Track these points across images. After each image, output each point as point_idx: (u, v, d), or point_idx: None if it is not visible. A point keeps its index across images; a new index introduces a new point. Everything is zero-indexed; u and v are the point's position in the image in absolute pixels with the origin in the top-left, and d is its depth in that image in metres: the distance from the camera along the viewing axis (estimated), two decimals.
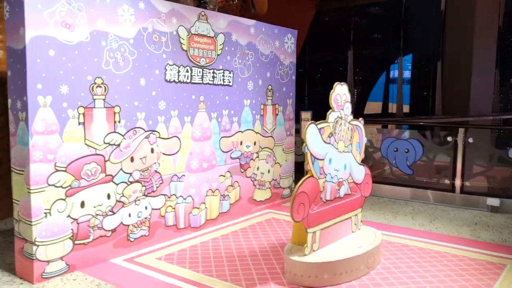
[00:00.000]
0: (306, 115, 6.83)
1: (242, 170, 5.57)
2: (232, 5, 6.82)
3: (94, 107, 3.92)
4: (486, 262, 4.18)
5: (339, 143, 4.00)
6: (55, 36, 3.59)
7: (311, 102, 9.66)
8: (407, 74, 14.14)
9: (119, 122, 4.12)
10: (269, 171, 6.03)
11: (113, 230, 4.14)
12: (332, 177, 3.95)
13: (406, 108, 13.90)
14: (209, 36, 4.96)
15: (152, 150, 4.45)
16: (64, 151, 3.72)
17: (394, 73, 12.04)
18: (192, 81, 4.80)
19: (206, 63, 4.94)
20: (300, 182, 3.66)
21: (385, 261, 4.15)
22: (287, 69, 6.24)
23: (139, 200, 4.34)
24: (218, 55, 5.09)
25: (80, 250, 3.89)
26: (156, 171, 4.50)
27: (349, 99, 4.12)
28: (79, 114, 3.81)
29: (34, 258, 3.59)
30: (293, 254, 3.72)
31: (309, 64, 9.96)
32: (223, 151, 5.25)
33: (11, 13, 3.52)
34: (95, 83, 3.90)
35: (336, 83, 3.95)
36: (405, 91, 13.82)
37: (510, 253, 4.44)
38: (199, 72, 4.87)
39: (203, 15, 4.87)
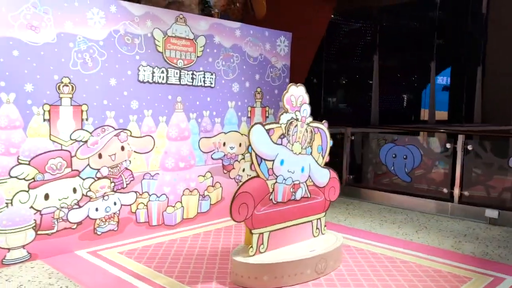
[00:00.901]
0: None
1: (225, 171, 5.62)
2: (233, 9, 6.92)
3: (61, 105, 4.13)
4: (451, 274, 3.97)
5: (294, 145, 3.97)
6: (19, 37, 3.83)
7: (328, 112, 9.52)
8: (444, 80, 13.63)
9: (86, 120, 4.31)
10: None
11: (79, 223, 4.33)
12: (285, 179, 3.92)
13: (443, 115, 13.41)
14: (188, 38, 5.07)
15: (122, 148, 4.61)
16: (28, 145, 3.95)
17: (428, 79, 11.61)
18: (168, 82, 4.93)
19: (184, 65, 5.05)
20: (243, 182, 3.67)
21: (342, 268, 4.06)
22: (280, 72, 6.24)
23: (107, 195, 4.51)
24: (198, 57, 5.19)
25: (43, 240, 4.10)
26: (127, 168, 4.65)
27: (307, 100, 4.07)
28: (44, 111, 4.03)
29: None
30: (239, 254, 3.73)
31: (326, 72, 9.83)
32: (203, 152, 5.33)
33: None
34: (62, 82, 4.11)
35: (290, 84, 3.92)
36: (443, 98, 13.32)
37: (483, 267, 4.19)
38: (176, 74, 4.98)
39: (181, 18, 5.00)
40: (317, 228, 4.30)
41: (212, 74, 5.36)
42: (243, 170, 5.84)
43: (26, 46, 3.88)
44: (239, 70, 5.68)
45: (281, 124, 3.87)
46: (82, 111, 4.28)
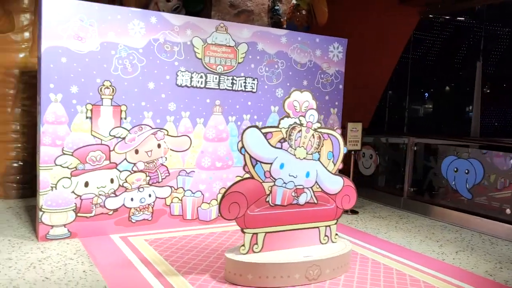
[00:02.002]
0: (353, 126, 6.55)
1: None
2: (298, 16, 7.06)
3: (102, 105, 4.73)
4: None
5: (297, 150, 4.00)
6: (67, 46, 4.50)
7: (413, 118, 9.04)
8: None
9: (125, 118, 4.85)
10: None
11: (115, 210, 4.88)
12: (285, 183, 3.97)
13: None
14: (229, 46, 5.36)
15: (159, 145, 5.06)
16: (72, 139, 4.60)
17: None
18: (207, 86, 5.26)
19: (223, 70, 5.35)
20: (234, 182, 3.82)
21: (342, 278, 3.96)
22: (332, 78, 6.19)
23: (142, 187, 5.00)
24: (239, 63, 5.44)
25: (82, 222, 4.72)
26: (162, 164, 5.10)
27: (314, 106, 4.07)
28: (87, 109, 4.66)
29: (40, 221, 4.55)
30: (233, 252, 3.89)
31: (412, 78, 9.34)
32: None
33: (38, 28, 4.56)
34: (103, 85, 4.71)
35: (293, 89, 3.97)
36: None
37: None
38: (215, 79, 5.30)
39: (221, 26, 5.30)
40: (325, 236, 4.25)
41: (254, 80, 5.58)
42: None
43: (73, 53, 4.54)
44: (284, 76, 5.79)
45: (281, 128, 3.94)
46: (121, 110, 4.83)
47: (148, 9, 7.08)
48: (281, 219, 4.01)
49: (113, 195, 4.86)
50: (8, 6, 6.16)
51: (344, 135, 6.30)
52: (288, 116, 3.97)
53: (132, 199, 4.97)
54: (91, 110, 4.69)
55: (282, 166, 3.95)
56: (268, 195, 3.93)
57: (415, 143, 6.68)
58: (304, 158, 4.05)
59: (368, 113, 8.86)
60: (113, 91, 4.77)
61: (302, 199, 4.09)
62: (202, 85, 5.25)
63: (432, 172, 6.47)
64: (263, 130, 3.87)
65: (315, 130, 4.08)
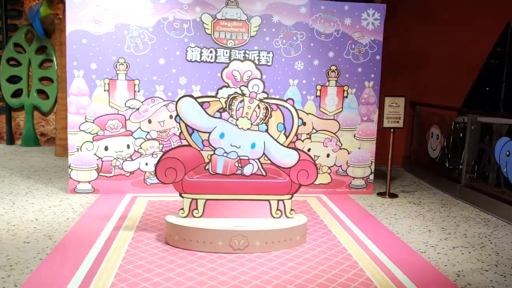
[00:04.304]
0: (392, 100, 5.76)
1: None
2: None
3: (117, 79, 5.39)
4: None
5: (239, 120, 3.98)
6: (86, 29, 5.27)
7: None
8: None
9: (138, 91, 5.43)
10: (328, 156, 5.79)
11: (132, 172, 5.54)
12: (226, 152, 4.01)
13: None
14: (240, 20, 5.43)
15: (170, 117, 5.51)
16: (93, 108, 5.39)
17: None
18: (217, 61, 5.46)
19: (234, 45, 5.46)
20: (170, 148, 4.03)
21: (276, 252, 3.83)
22: (366, 48, 5.67)
23: (156, 154, 5.54)
24: (252, 36, 5.47)
25: (103, 180, 5.52)
26: (174, 134, 5.54)
27: (258, 76, 3.95)
28: (105, 83, 5.38)
29: (69, 177, 5.49)
30: (177, 215, 4.13)
31: None
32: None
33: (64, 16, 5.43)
34: (118, 62, 5.36)
35: (233, 59, 3.93)
36: None
37: None
38: (226, 53, 5.46)
39: (232, 1, 5.40)
40: (278, 210, 4.13)
41: (268, 53, 5.54)
42: (309, 150, 5.75)
43: (91, 35, 5.29)
44: (304, 48, 5.58)
45: (219, 98, 3.97)
46: (134, 84, 5.43)
47: None
48: (223, 188, 4.06)
49: (129, 159, 5.53)
50: None
51: (380, 110, 5.80)
52: (227, 86, 3.98)
53: (146, 164, 5.56)
54: (108, 84, 5.39)
55: (222, 135, 4.00)
56: (208, 163, 4.04)
57: (476, 121, 5.65)
58: (248, 129, 4.01)
59: (463, 90, 7.68)
60: (127, 67, 5.39)
61: (247, 170, 4.07)
62: (212, 60, 5.48)
63: (486, 156, 5.41)
64: (199, 100, 3.98)
65: (260, 100, 3.99)
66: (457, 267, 3.71)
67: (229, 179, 4.07)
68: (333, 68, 5.68)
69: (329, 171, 5.84)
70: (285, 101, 4.09)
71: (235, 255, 3.79)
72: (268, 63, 5.57)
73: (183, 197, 4.06)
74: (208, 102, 4.00)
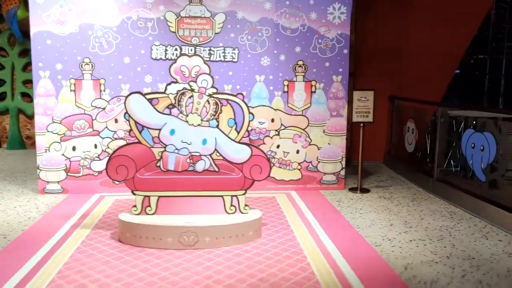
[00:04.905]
0: (361, 94, 5.69)
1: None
2: None
3: (83, 79, 5.41)
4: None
5: (189, 116, 3.97)
6: (51, 30, 5.29)
7: (494, 92, 7.43)
8: None
9: (104, 91, 5.44)
10: (298, 152, 5.75)
11: (100, 172, 5.55)
12: (177, 149, 4.00)
13: None
14: (204, 17, 5.42)
15: (116, 121, 5.49)
16: (59, 109, 5.42)
17: None
18: None
19: (199, 42, 5.45)
20: (120, 146, 4.03)
21: (227, 248, 3.81)
22: (333, 42, 5.62)
23: None
24: (216, 33, 5.46)
25: (72, 180, 5.53)
26: None
27: (206, 71, 3.94)
28: (71, 84, 5.40)
29: (38, 177, 5.52)
30: (130, 212, 4.12)
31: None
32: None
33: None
34: (83, 62, 5.38)
35: (181, 54, 3.92)
36: None
37: None
38: (191, 50, 5.45)
39: None
40: (232, 206, 4.11)
41: (234, 49, 5.52)
42: (278, 146, 5.72)
43: (56, 36, 5.31)
44: (270, 43, 5.55)
45: (168, 94, 3.97)
46: (100, 84, 5.44)
47: None
48: (175, 184, 4.06)
49: (97, 158, 5.54)
50: None
51: (350, 104, 5.76)
52: (176, 81, 3.97)
53: None
54: (74, 84, 5.42)
55: (172, 132, 3.99)
56: (159, 160, 4.03)
57: (446, 114, 5.58)
58: (198, 125, 4.00)
59: (444, 83, 7.60)
60: (92, 67, 5.41)
61: (199, 166, 4.05)
62: (177, 58, 5.47)
63: (454, 149, 5.34)
64: (148, 96, 3.97)
65: (209, 95, 3.97)
66: (408, 259, 3.65)
67: (181, 176, 4.06)
68: (300, 63, 5.64)
69: (299, 167, 5.80)
70: (235, 95, 4.07)
71: (185, 251, 3.78)
72: (234, 60, 5.56)
73: (135, 194, 4.06)
74: (157, 98, 3.99)
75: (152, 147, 4.04)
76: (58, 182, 5.54)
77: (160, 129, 3.99)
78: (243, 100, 4.06)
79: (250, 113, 4.08)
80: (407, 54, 7.54)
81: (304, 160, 5.80)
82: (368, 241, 4.06)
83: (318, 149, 5.79)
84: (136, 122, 3.99)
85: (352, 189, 5.88)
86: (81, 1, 5.31)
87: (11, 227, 4.33)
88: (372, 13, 7.51)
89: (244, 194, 4.13)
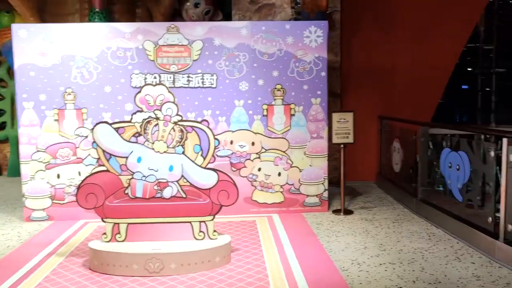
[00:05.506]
0: (340, 116, 5.68)
1: (234, 169, 5.71)
2: (307, 1, 6.68)
3: (66, 109, 5.56)
4: None
5: (155, 143, 4.03)
6: (34, 62, 5.47)
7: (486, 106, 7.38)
8: None
9: (86, 119, 5.57)
10: (279, 174, 5.76)
11: None
12: (144, 176, 4.06)
13: None
14: (181, 45, 5.54)
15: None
16: (44, 138, 5.56)
17: None
18: None
19: (178, 69, 5.56)
20: (89, 174, 4.11)
21: (193, 274, 3.82)
22: (311, 65, 5.67)
23: None
24: (194, 60, 5.57)
25: (57, 207, 5.64)
26: None
27: (170, 99, 4.02)
28: (54, 114, 5.55)
29: (24, 205, 5.63)
30: (101, 240, 4.17)
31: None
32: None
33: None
34: (66, 92, 5.53)
35: (145, 84, 4.01)
36: None
37: None
38: (169, 78, 5.56)
39: (172, 27, 5.53)
40: (200, 231, 4.12)
41: (212, 75, 5.61)
42: (259, 169, 5.74)
43: (39, 68, 5.49)
44: (248, 68, 5.64)
45: (134, 123, 4.05)
46: (82, 113, 5.58)
47: (181, 17, 7.72)
48: (144, 211, 4.10)
49: None
50: None
51: (329, 126, 5.77)
52: (141, 110, 4.06)
53: None
54: (58, 114, 5.56)
55: (139, 159, 4.06)
56: (127, 187, 4.09)
57: (427, 133, 5.53)
58: (164, 152, 4.06)
59: (433, 102, 7.58)
60: (74, 97, 5.56)
61: (166, 193, 4.10)
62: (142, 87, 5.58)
63: (434, 169, 5.28)
64: (115, 125, 4.06)
65: (175, 123, 4.04)
66: (372, 284, 3.61)
67: (149, 203, 4.11)
68: (279, 87, 5.70)
69: (281, 189, 5.81)
70: (200, 122, 4.14)
71: (149, 278, 3.80)
72: (213, 85, 5.65)
73: (105, 221, 4.12)
74: (123, 127, 4.08)
75: (120, 174, 4.11)
76: (43, 209, 5.64)
77: (127, 157, 4.06)
78: (207, 127, 4.12)
79: (215, 138, 4.14)
80: (395, 73, 7.55)
81: (286, 183, 5.81)
82: (337, 265, 4.03)
83: (300, 171, 5.80)
84: (103, 151, 4.08)
85: (336, 211, 5.84)
86: (63, 33, 5.49)
87: None
88: (358, 34, 7.56)
89: (212, 219, 4.15)
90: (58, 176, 5.62)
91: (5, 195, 7.25)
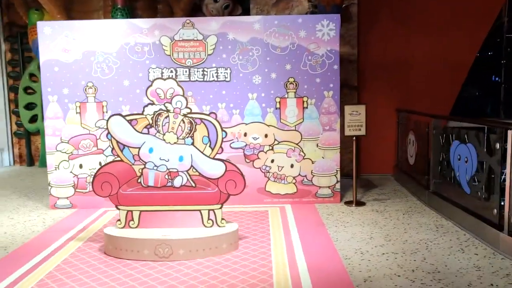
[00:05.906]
0: (352, 109, 5.70)
1: (248, 161, 5.86)
2: None
3: (87, 102, 5.83)
4: None
5: (166, 135, 4.22)
6: (57, 58, 5.76)
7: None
8: None
9: (106, 112, 5.83)
10: (292, 166, 5.88)
11: None
12: (156, 166, 4.26)
13: None
14: (196, 40, 5.71)
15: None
16: (67, 130, 5.86)
17: None
18: (178, 79, 5.72)
19: (193, 63, 5.74)
20: (104, 164, 4.34)
21: (201, 260, 4.00)
22: (323, 59, 5.74)
23: None
24: (209, 54, 5.73)
25: (79, 196, 5.94)
26: None
27: (180, 92, 4.19)
28: (76, 106, 5.83)
29: (49, 194, 5.96)
30: (115, 226, 4.41)
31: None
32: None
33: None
34: (87, 86, 5.80)
35: (155, 78, 4.20)
36: None
37: None
38: (185, 72, 5.75)
39: (188, 23, 5.70)
40: (209, 219, 4.30)
41: (226, 69, 5.77)
42: (272, 161, 5.87)
43: (62, 63, 5.78)
44: (261, 62, 5.75)
45: (146, 115, 4.25)
46: (103, 106, 5.84)
47: (202, 12, 7.91)
48: (155, 199, 4.31)
49: None
50: None
51: (342, 118, 5.84)
52: (152, 103, 4.25)
53: None
54: (80, 107, 5.85)
55: (151, 150, 4.27)
56: (140, 176, 4.30)
57: (438, 126, 5.52)
58: (175, 143, 4.25)
59: (452, 94, 7.49)
60: (95, 90, 5.82)
61: (177, 182, 4.29)
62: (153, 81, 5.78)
63: (444, 161, 5.27)
64: (128, 117, 4.27)
65: (184, 115, 4.22)
66: (372, 272, 3.70)
67: (160, 191, 4.31)
68: (291, 80, 5.80)
69: (294, 181, 5.92)
70: (208, 115, 4.30)
71: (159, 262, 4.01)
72: (227, 79, 5.80)
73: (119, 209, 4.35)
74: (135, 119, 4.29)
75: (133, 164, 4.32)
76: (67, 198, 5.96)
77: (139, 148, 4.27)
78: (215, 119, 4.28)
79: (223, 130, 4.29)
80: (413, 66, 7.51)
81: (299, 174, 5.92)
82: (340, 254, 4.13)
83: (312, 163, 5.89)
84: (117, 142, 4.30)
85: (348, 203, 5.92)
86: (84, 30, 5.76)
87: (13, 240, 4.74)
88: (375, 26, 7.55)
89: (220, 208, 4.32)
90: (81, 166, 5.92)
91: (35, 184, 7.65)
